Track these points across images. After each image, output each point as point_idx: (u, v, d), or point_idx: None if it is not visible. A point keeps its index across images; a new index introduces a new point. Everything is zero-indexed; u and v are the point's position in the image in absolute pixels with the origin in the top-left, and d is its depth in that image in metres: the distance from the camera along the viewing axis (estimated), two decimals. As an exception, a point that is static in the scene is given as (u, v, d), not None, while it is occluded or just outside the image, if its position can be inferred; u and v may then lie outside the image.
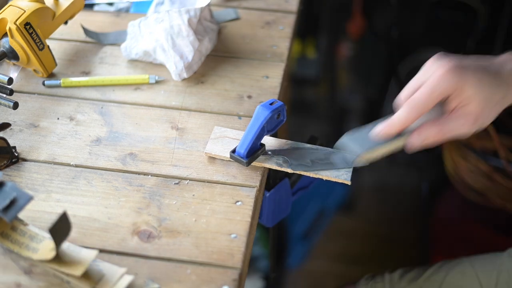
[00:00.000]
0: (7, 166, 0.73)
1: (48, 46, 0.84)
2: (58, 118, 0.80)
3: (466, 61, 0.64)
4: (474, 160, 1.29)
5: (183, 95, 0.84)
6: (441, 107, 0.65)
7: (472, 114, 0.63)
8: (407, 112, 0.63)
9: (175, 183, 0.72)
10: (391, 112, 0.67)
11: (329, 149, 0.74)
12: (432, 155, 1.65)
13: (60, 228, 0.58)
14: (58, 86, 0.85)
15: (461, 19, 1.63)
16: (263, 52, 0.91)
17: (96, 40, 0.93)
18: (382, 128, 0.65)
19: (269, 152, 0.73)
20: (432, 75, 0.63)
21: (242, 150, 0.71)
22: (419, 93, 0.63)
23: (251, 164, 0.72)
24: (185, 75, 0.85)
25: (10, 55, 0.82)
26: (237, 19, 0.98)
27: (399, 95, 0.67)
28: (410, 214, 1.71)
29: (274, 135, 0.77)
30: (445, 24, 1.70)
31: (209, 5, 0.90)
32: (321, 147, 0.75)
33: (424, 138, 0.65)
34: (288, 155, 0.73)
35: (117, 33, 0.94)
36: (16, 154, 0.74)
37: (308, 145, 0.75)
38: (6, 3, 0.90)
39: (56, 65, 0.87)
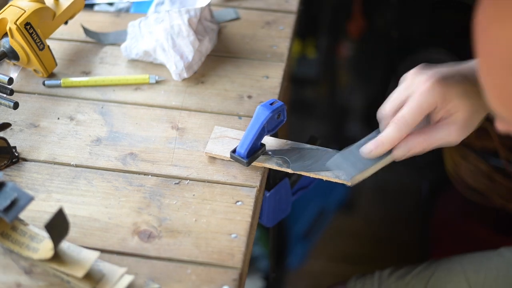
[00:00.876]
0: (7, 166, 0.73)
1: (48, 46, 0.84)
2: (58, 118, 0.80)
3: (447, 72, 0.65)
4: (474, 160, 1.29)
5: (183, 95, 0.84)
6: (426, 118, 0.66)
7: (459, 123, 0.64)
8: (397, 130, 0.64)
9: (175, 183, 0.72)
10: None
11: (329, 149, 0.74)
12: (432, 155, 1.65)
13: (57, 225, 0.57)
14: (58, 86, 0.85)
15: (461, 19, 1.63)
16: (263, 52, 0.91)
17: (96, 40, 0.93)
18: (373, 147, 0.67)
19: (269, 152, 0.73)
20: (417, 89, 0.64)
21: (243, 150, 0.71)
22: (406, 110, 0.64)
23: (251, 164, 0.72)
24: (185, 75, 0.85)
25: (10, 55, 0.82)
26: (237, 19, 0.98)
27: (382, 107, 0.68)
28: (410, 214, 1.71)
29: (274, 135, 0.77)
30: (445, 24, 1.70)
31: (209, 5, 0.90)
32: (321, 147, 0.75)
33: (410, 148, 0.66)
34: (288, 155, 0.73)
35: (117, 33, 0.94)
36: (17, 154, 0.74)
37: (308, 145, 0.75)
38: (6, 3, 0.90)
39: (56, 65, 0.87)
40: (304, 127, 1.85)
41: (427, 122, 0.66)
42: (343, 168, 0.69)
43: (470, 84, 0.64)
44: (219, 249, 0.65)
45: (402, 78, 0.68)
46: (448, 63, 0.67)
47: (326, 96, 1.96)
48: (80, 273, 0.58)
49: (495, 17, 0.45)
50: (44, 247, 0.61)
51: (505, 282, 0.86)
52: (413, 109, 0.63)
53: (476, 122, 0.65)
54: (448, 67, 0.66)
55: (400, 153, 0.66)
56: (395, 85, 0.69)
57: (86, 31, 0.93)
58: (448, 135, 0.65)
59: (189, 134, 0.78)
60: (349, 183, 0.71)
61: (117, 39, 0.93)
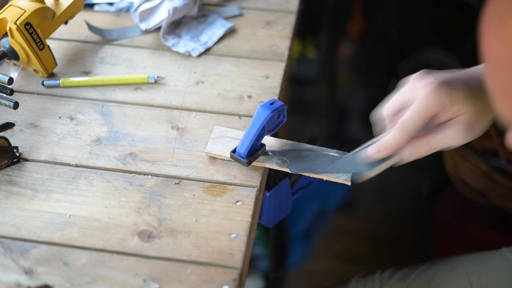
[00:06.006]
0: (7, 166, 0.73)
1: (48, 46, 0.84)
2: (59, 118, 0.80)
3: (449, 76, 0.64)
4: (474, 160, 1.29)
5: (183, 95, 0.84)
6: (429, 121, 0.66)
7: (462, 125, 0.63)
8: (400, 135, 0.64)
9: (175, 183, 0.72)
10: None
11: (329, 149, 0.74)
12: (432, 155, 1.65)
13: None
14: (58, 86, 0.85)
15: (461, 19, 1.63)
16: (263, 52, 0.91)
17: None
18: (376, 151, 0.67)
19: (269, 153, 0.73)
20: (420, 93, 0.63)
21: (243, 150, 0.71)
22: (410, 114, 0.63)
23: (252, 164, 0.72)
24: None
25: (11, 55, 0.82)
26: (240, 15, 0.98)
27: (381, 109, 0.68)
28: (410, 214, 1.71)
29: (274, 135, 0.77)
30: (445, 24, 1.70)
31: None
32: (321, 147, 0.75)
33: (414, 152, 0.66)
34: (288, 155, 0.73)
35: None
36: (18, 154, 0.74)
37: (308, 145, 0.75)
38: (6, 3, 0.90)
39: (56, 65, 0.87)
40: (304, 127, 1.85)
41: (429, 126, 0.66)
42: (346, 171, 0.70)
43: (474, 89, 0.63)
44: (219, 249, 0.65)
45: (402, 82, 0.67)
46: (450, 69, 0.67)
47: (326, 96, 1.96)
48: None
49: (499, 19, 0.44)
50: None
51: (507, 283, 0.85)
52: (416, 112, 0.63)
53: (482, 126, 0.64)
54: (450, 72, 0.66)
55: (405, 157, 0.66)
56: (395, 85, 0.69)
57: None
58: (451, 137, 0.64)
59: (189, 134, 0.78)
60: (349, 183, 0.71)
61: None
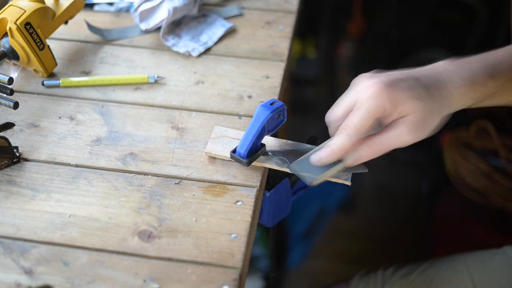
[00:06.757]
0: (7, 166, 0.73)
1: (49, 46, 0.84)
2: (59, 117, 0.80)
3: (397, 76, 0.63)
4: (474, 160, 1.29)
5: (183, 95, 0.84)
6: (378, 122, 0.65)
7: (410, 124, 0.62)
8: (345, 138, 0.63)
9: (175, 183, 0.72)
10: None
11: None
12: (432, 155, 1.65)
13: None
14: (58, 86, 0.85)
15: (461, 19, 1.63)
16: (263, 52, 0.91)
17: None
18: (323, 155, 0.66)
19: (269, 153, 0.73)
20: (362, 96, 0.62)
21: (243, 150, 0.71)
22: (354, 118, 0.62)
23: (252, 164, 0.72)
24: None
25: (11, 55, 0.82)
26: (240, 15, 0.98)
27: (331, 112, 0.67)
28: (410, 214, 1.71)
29: (274, 135, 0.77)
30: (445, 24, 1.71)
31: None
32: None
33: (360, 155, 0.65)
34: (288, 155, 0.73)
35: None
36: (18, 154, 0.74)
37: (308, 145, 0.75)
38: (6, 3, 0.90)
39: (56, 65, 0.87)
40: (304, 127, 1.85)
41: (379, 126, 0.65)
42: (301, 175, 0.70)
43: (423, 88, 0.63)
44: (219, 249, 0.65)
45: (352, 83, 0.66)
46: (401, 69, 0.66)
47: (326, 96, 1.96)
48: None
49: None
50: None
51: (509, 281, 0.86)
52: (361, 114, 0.62)
53: (432, 124, 0.63)
54: (400, 72, 0.65)
55: (350, 161, 0.65)
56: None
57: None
58: (396, 138, 0.63)
59: (189, 134, 0.78)
60: (349, 183, 0.71)
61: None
